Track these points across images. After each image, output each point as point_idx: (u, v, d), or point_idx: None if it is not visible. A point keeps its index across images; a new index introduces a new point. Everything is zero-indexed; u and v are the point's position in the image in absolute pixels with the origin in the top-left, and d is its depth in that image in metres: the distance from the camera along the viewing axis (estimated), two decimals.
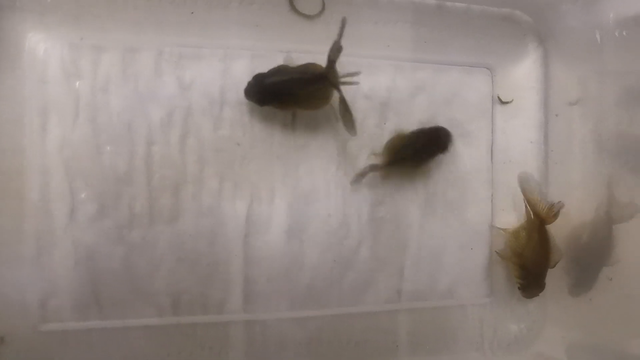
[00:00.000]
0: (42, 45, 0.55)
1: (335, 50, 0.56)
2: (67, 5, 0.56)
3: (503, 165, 0.69)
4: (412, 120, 0.66)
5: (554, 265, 0.65)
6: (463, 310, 0.69)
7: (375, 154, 0.65)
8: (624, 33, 0.64)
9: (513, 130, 0.70)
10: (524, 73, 0.70)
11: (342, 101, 0.58)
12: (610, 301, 0.65)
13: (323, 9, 0.63)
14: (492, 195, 0.69)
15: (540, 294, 0.66)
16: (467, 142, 0.68)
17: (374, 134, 0.65)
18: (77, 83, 0.56)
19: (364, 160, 0.64)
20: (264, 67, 0.59)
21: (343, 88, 0.58)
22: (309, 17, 0.62)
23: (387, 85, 0.66)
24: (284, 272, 0.62)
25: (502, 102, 0.69)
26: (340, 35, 0.55)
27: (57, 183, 0.56)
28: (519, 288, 0.67)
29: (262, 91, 0.57)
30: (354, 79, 0.59)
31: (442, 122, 0.67)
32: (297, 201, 0.62)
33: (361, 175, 0.64)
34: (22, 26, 0.56)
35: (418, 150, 0.64)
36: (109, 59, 0.57)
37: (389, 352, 0.66)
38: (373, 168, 0.64)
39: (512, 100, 0.70)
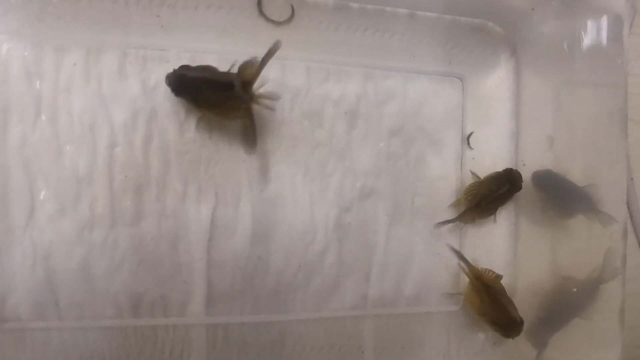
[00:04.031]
0: (4, 45, 0.50)
1: (256, 67, 0.49)
2: (30, 5, 0.51)
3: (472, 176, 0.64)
4: (382, 128, 0.61)
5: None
6: (430, 317, 0.63)
7: (457, 202, 0.62)
8: (597, 44, 0.59)
9: (484, 139, 0.64)
10: (495, 83, 0.64)
11: (249, 115, 0.52)
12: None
13: (292, 15, 0.58)
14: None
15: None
16: (437, 150, 0.63)
17: (342, 141, 0.60)
18: (39, 83, 0.51)
19: (333, 165, 0.59)
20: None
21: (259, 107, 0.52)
22: (277, 24, 0.58)
23: (356, 93, 0.60)
24: (248, 276, 0.57)
25: (468, 144, 0.64)
26: (268, 56, 0.49)
27: (16, 183, 0.50)
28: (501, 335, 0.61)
29: (178, 82, 0.50)
30: (272, 103, 0.52)
31: (411, 130, 0.62)
32: (263, 206, 0.57)
33: (446, 223, 0.62)
34: None
35: (499, 196, 0.61)
36: (72, 59, 0.51)
37: (355, 358, 0.60)
38: (457, 219, 0.62)
39: (474, 149, 0.64)
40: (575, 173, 0.62)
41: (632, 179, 0.73)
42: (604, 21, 0.57)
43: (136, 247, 0.53)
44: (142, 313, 0.54)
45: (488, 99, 0.64)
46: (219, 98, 0.50)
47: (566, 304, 0.61)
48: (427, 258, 0.62)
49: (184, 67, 0.50)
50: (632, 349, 0.68)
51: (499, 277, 0.58)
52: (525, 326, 0.60)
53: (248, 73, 0.48)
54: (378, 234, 0.61)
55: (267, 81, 0.51)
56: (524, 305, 0.61)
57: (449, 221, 0.62)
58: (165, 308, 0.55)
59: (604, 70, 0.60)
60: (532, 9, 0.57)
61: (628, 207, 0.73)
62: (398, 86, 0.61)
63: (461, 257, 0.60)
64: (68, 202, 0.52)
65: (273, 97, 0.51)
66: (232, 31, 0.56)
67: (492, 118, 0.64)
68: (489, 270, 0.58)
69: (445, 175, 0.63)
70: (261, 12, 0.57)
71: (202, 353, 0.56)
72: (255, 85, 0.50)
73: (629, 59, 0.71)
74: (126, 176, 0.53)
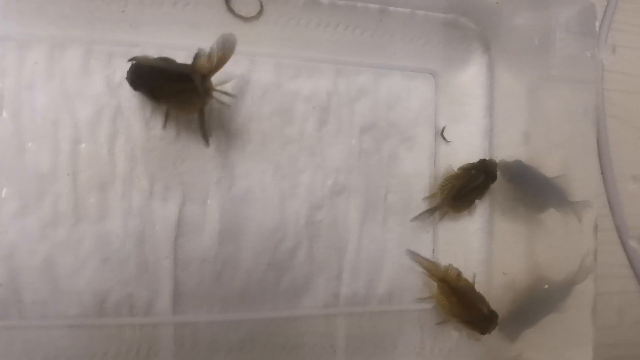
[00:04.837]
0: None
1: (212, 59, 0.48)
2: None
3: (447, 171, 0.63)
4: (354, 125, 0.60)
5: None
6: (403, 315, 0.61)
7: (432, 196, 0.61)
8: (569, 38, 0.58)
9: (457, 136, 0.63)
10: (469, 79, 0.63)
11: (201, 111, 0.51)
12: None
13: (261, 10, 0.57)
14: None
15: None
16: (409, 146, 0.62)
17: (313, 138, 0.59)
18: (1, 80, 0.49)
19: (304, 162, 0.58)
20: None
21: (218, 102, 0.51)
22: (246, 19, 0.57)
23: (327, 89, 0.59)
24: (216, 275, 0.55)
25: (443, 138, 0.63)
26: (228, 50, 0.48)
27: None
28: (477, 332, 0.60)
29: (135, 74, 0.49)
30: (228, 99, 0.52)
31: (383, 127, 0.61)
32: (232, 203, 0.56)
33: (422, 217, 0.61)
34: None
35: (475, 187, 0.60)
36: (35, 55, 0.50)
37: (326, 357, 0.59)
38: (433, 210, 0.61)
39: (451, 142, 0.63)
40: (550, 169, 0.61)
41: (614, 179, 0.72)
42: (576, 14, 0.56)
43: (101, 245, 0.52)
44: (108, 312, 0.53)
45: (461, 95, 0.63)
46: (175, 90, 0.49)
47: (539, 300, 0.60)
48: (400, 255, 0.61)
49: (143, 58, 0.49)
50: (611, 348, 0.67)
51: (460, 273, 0.57)
52: (499, 321, 0.59)
53: (205, 66, 0.47)
54: (350, 232, 0.60)
55: (232, 78, 0.50)
56: (500, 302, 0.60)
57: (426, 211, 0.61)
58: (131, 307, 0.53)
59: (577, 65, 0.59)
60: (497, 3, 0.56)
61: (609, 205, 0.72)
62: (370, 82, 0.60)
63: (421, 260, 0.59)
64: (31, 199, 0.50)
65: (231, 94, 0.50)
66: (200, 27, 0.55)
67: (465, 114, 0.63)
68: (451, 268, 0.57)
69: (419, 172, 0.62)
70: (229, 8, 0.56)
71: (169, 352, 0.54)
72: (217, 81, 0.49)
73: (606, 54, 0.70)
74: (91, 173, 0.52)
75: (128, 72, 0.49)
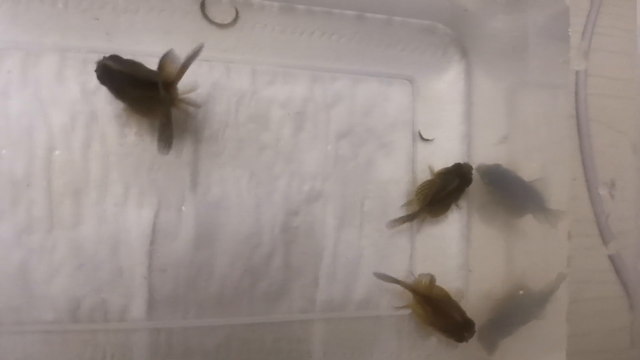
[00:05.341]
0: None
1: (177, 65, 0.48)
2: None
3: (425, 177, 0.62)
4: (330, 131, 0.60)
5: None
6: (380, 321, 0.61)
7: (409, 202, 0.61)
8: (544, 43, 0.58)
9: (435, 142, 0.63)
10: (446, 85, 0.63)
11: (167, 117, 0.50)
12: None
13: (237, 17, 0.57)
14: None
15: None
16: (386, 152, 0.62)
17: (289, 144, 0.59)
18: None
19: (280, 169, 0.58)
20: None
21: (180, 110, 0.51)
22: (221, 26, 0.57)
23: (303, 95, 0.59)
24: (191, 280, 0.56)
25: (423, 139, 0.63)
26: (191, 58, 0.48)
27: None
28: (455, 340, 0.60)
29: (101, 70, 0.48)
30: (193, 109, 0.52)
31: (360, 133, 0.61)
32: (207, 209, 0.56)
33: (399, 222, 0.60)
34: None
35: (451, 192, 0.60)
36: (9, 62, 0.51)
37: None
38: (411, 217, 0.61)
39: (434, 138, 0.63)
40: (529, 174, 0.61)
41: (596, 183, 0.72)
42: (550, 19, 0.56)
43: (75, 251, 0.52)
44: (82, 317, 0.53)
45: (439, 101, 0.63)
46: (139, 95, 0.49)
47: (517, 308, 0.59)
48: (377, 262, 0.61)
49: (112, 58, 0.48)
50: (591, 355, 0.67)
51: (433, 281, 0.57)
52: (477, 329, 0.59)
53: (170, 73, 0.47)
54: (327, 238, 0.60)
55: (198, 86, 0.50)
56: (477, 309, 0.60)
57: (402, 218, 0.61)
58: (105, 312, 0.54)
59: (554, 70, 0.58)
60: (465, 10, 0.56)
61: (592, 209, 0.72)
62: (346, 89, 0.60)
63: (390, 278, 0.59)
64: (5, 205, 0.51)
65: (196, 104, 0.51)
66: (176, 34, 0.56)
67: (443, 120, 0.63)
68: (424, 277, 0.57)
69: (396, 178, 0.62)
70: (205, 15, 0.56)
71: (143, 358, 0.54)
72: (185, 89, 0.49)
73: (579, 60, 0.70)
74: (65, 180, 0.52)
75: (96, 70, 0.48)
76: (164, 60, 0.47)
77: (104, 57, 0.48)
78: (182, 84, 0.50)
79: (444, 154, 0.63)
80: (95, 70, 0.48)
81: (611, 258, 0.70)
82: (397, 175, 0.62)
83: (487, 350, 0.60)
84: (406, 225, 0.61)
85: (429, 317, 0.58)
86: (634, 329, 0.60)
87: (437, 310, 0.57)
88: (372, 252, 0.61)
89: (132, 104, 0.51)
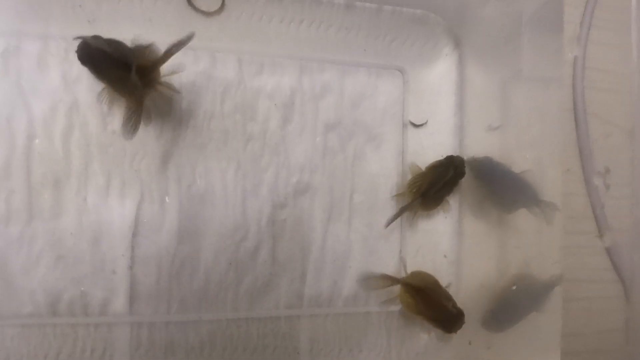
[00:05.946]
0: None
1: (156, 52, 0.47)
2: None
3: (415, 171, 0.61)
4: (318, 122, 0.58)
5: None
6: (369, 317, 0.60)
7: (400, 195, 0.59)
8: (538, 34, 0.56)
9: (426, 134, 0.62)
10: (438, 76, 0.62)
11: (139, 102, 0.48)
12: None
13: (223, 5, 0.56)
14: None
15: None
16: (376, 145, 0.60)
17: (276, 136, 0.57)
18: None
19: (266, 160, 0.57)
20: None
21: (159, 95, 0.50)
22: (207, 14, 0.56)
23: (291, 86, 0.58)
24: (174, 274, 0.54)
25: (415, 126, 0.61)
26: (177, 46, 0.47)
27: None
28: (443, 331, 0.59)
29: (82, 50, 0.46)
30: (171, 93, 0.51)
31: (349, 125, 0.59)
32: (191, 202, 0.55)
33: (394, 218, 0.59)
34: None
35: (445, 184, 0.59)
36: None
37: (289, 359, 0.58)
38: (404, 210, 0.59)
39: (427, 121, 0.62)
40: (522, 166, 0.59)
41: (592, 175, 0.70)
42: (543, 7, 0.54)
43: (55, 242, 0.51)
44: (61, 311, 0.52)
45: (431, 93, 0.62)
46: (119, 76, 0.47)
47: (513, 301, 0.58)
48: (365, 256, 0.59)
49: (94, 37, 0.47)
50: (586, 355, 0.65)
51: (421, 273, 0.55)
52: (475, 323, 0.57)
53: (146, 58, 0.46)
54: (315, 231, 0.58)
55: (182, 69, 0.49)
56: (470, 303, 0.58)
57: (397, 214, 0.59)
58: (85, 306, 0.52)
59: (547, 62, 0.57)
60: None
61: (589, 200, 0.70)
62: (335, 79, 0.59)
63: (381, 277, 0.57)
64: None
65: (174, 89, 0.49)
66: (159, 22, 0.54)
67: (435, 112, 0.62)
68: (412, 273, 0.56)
69: (386, 171, 0.60)
70: (190, 3, 0.55)
71: (125, 353, 0.53)
72: (167, 72, 0.47)
73: (587, 52, 0.68)
74: (45, 169, 0.51)
75: (77, 50, 0.46)
76: (140, 46, 0.46)
77: (84, 37, 0.47)
78: (166, 67, 0.48)
79: (435, 147, 0.61)
80: (76, 51, 0.47)
81: (607, 250, 0.68)
82: (387, 168, 0.60)
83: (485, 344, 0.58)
84: (395, 219, 0.60)
85: (418, 306, 0.56)
86: (630, 325, 0.58)
87: (427, 299, 0.55)
88: (361, 247, 0.59)
89: (111, 83, 0.49)
